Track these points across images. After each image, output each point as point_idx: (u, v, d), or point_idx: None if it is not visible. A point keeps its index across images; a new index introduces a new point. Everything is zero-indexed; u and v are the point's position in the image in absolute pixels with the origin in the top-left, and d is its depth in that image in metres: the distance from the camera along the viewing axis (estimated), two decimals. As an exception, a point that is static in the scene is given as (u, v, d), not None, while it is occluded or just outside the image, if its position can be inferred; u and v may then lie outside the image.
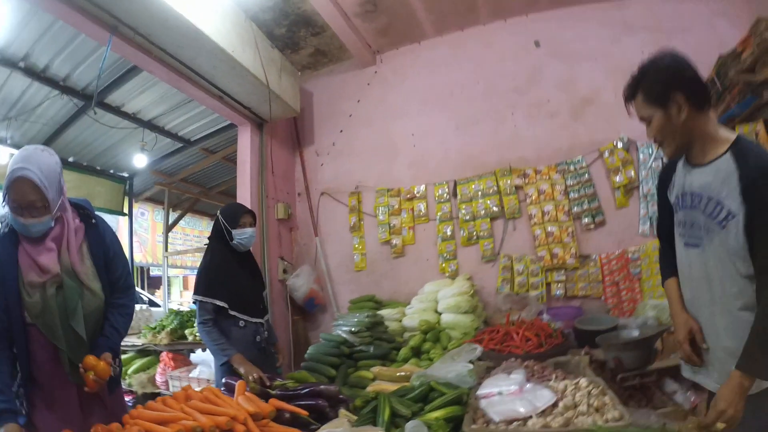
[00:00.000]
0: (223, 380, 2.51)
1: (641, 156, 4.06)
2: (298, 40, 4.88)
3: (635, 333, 2.74)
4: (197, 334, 4.97)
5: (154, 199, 9.66)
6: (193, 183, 9.32)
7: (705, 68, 3.96)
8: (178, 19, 3.32)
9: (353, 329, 3.66)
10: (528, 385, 1.99)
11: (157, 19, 3.33)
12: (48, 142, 6.66)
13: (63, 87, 5.57)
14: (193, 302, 3.02)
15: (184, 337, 4.99)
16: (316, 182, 5.45)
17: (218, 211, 3.26)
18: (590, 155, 4.24)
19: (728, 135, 1.76)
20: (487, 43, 4.82)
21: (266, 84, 4.40)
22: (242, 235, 3.12)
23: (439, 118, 4.90)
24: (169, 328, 5.02)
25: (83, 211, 2.26)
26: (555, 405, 1.79)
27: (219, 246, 3.14)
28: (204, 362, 4.75)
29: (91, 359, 1.96)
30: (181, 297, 12.17)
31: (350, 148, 5.31)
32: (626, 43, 4.29)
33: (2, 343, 1.95)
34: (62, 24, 4.24)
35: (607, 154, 4.18)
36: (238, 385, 2.20)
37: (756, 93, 3.59)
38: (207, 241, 3.25)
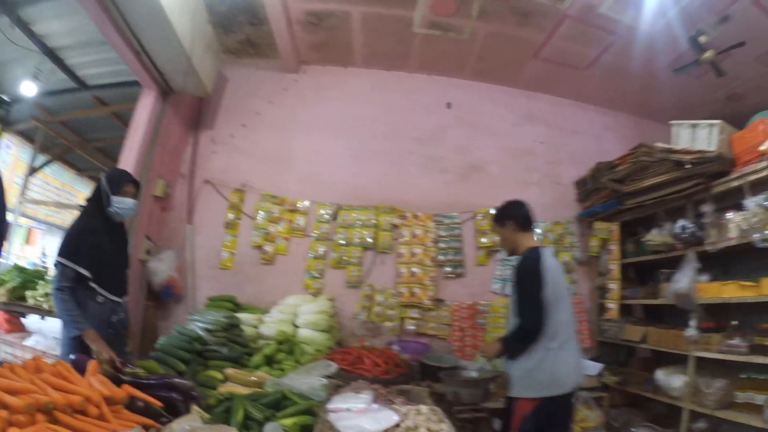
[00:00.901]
0: (72, 356, 2.32)
1: None
2: (234, 24, 4.83)
3: (474, 374, 3.14)
4: (39, 298, 4.59)
5: (25, 134, 8.70)
6: (72, 129, 8.55)
7: (584, 167, 5.07)
8: None
9: (210, 327, 3.63)
10: (374, 405, 2.18)
11: None
12: None
13: None
14: (55, 264, 2.80)
15: (23, 299, 4.56)
16: (203, 168, 5.31)
17: (102, 174, 3.11)
18: (465, 214, 4.91)
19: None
20: (406, 89, 5.31)
21: (189, 56, 4.31)
22: (121, 204, 2.98)
23: (341, 143, 5.21)
24: (10, 285, 4.57)
25: None
26: (397, 426, 1.98)
27: (95, 211, 2.98)
28: (40, 331, 4.39)
29: None
30: (21, 251, 10.90)
31: (247, 145, 5.34)
32: (525, 129, 5.18)
33: None
34: None
35: (479, 217, 4.91)
36: (91, 364, 2.09)
37: (620, 200, 4.64)
38: (83, 203, 3.08)
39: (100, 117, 7.70)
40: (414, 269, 4.79)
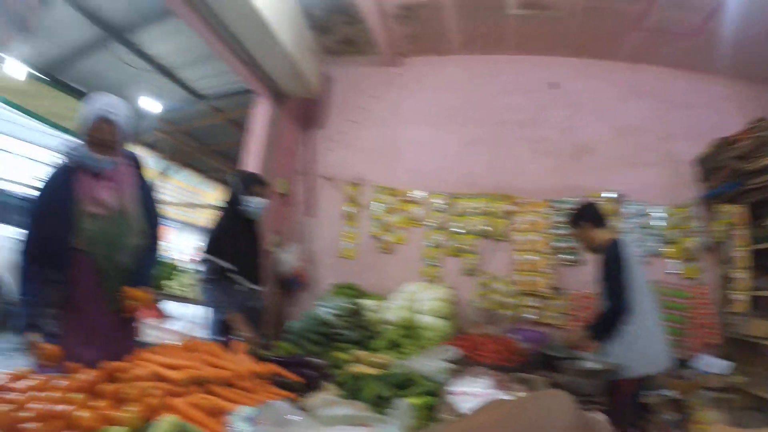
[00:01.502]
0: (220, 337, 2.80)
1: (625, 210, 4.58)
2: (331, 25, 5.12)
3: (593, 364, 3.05)
4: (178, 287, 5.23)
5: (153, 145, 9.74)
6: (194, 137, 9.47)
7: (702, 143, 4.53)
8: None
9: (335, 312, 3.93)
10: (492, 390, 2.25)
11: None
12: (63, 66, 6.82)
13: (91, 15, 5.76)
14: (202, 260, 3.26)
15: (160, 288, 5.22)
16: (318, 165, 5.77)
17: (234, 176, 3.55)
18: (579, 199, 4.56)
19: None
20: (505, 72, 5.25)
21: (294, 62, 4.71)
22: (253, 203, 3.35)
23: (448, 133, 5.28)
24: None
25: (135, 162, 2.55)
26: None
27: (231, 211, 3.39)
28: (179, 316, 5.01)
29: (133, 289, 2.32)
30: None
31: (358, 140, 5.65)
32: (632, 104, 4.84)
33: (40, 265, 2.20)
34: None
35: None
36: (238, 344, 2.43)
37: (741, 180, 4.17)
38: (221, 204, 3.51)
39: (217, 124, 8.47)
40: (530, 256, 4.73)
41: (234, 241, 3.29)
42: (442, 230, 5.05)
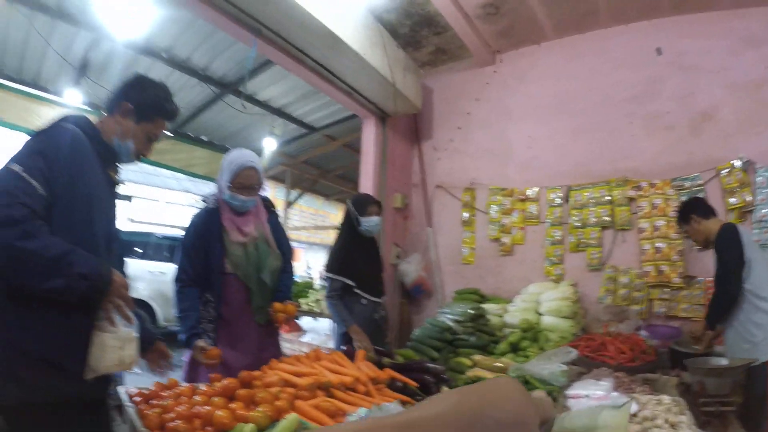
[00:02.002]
0: (343, 347, 3.13)
1: (759, 179, 4.02)
2: (420, 39, 5.27)
3: (723, 361, 2.80)
4: (310, 304, 5.66)
5: (277, 178, 10.68)
6: (313, 165, 10.24)
7: None
8: (316, 23, 3.87)
9: (458, 318, 4.02)
10: (614, 393, 2.22)
11: (297, 23, 3.91)
12: (185, 122, 7.81)
13: (201, 76, 6.61)
14: (324, 278, 3.72)
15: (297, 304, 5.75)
16: (431, 176, 5.95)
17: (349, 200, 3.88)
18: (706, 173, 4.25)
19: None
20: (605, 48, 4.96)
21: (392, 82, 4.94)
22: (369, 222, 3.68)
23: (555, 124, 5.13)
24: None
25: (267, 202, 3.04)
26: (634, 415, 1.96)
27: (348, 231, 3.77)
28: (313, 330, 5.44)
29: (279, 304, 2.73)
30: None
31: (467, 145, 5.72)
32: (747, 57, 4.23)
33: (196, 288, 2.70)
34: (201, 24, 5.14)
35: (724, 173, 4.15)
36: (359, 352, 2.64)
37: None
38: (339, 225, 3.92)
39: (333, 150, 9.05)
40: (658, 244, 4.34)
41: (353, 258, 3.66)
42: (561, 226, 4.92)
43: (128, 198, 10.98)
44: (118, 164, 2.04)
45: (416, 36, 5.19)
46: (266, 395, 1.79)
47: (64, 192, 1.70)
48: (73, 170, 1.73)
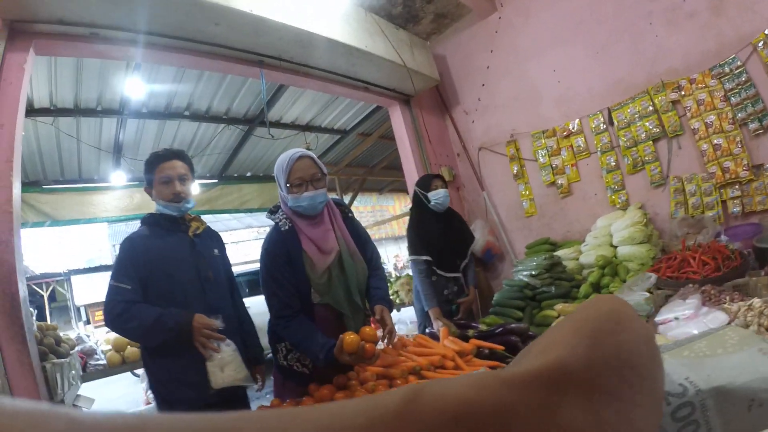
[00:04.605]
0: (427, 330, 3.32)
1: None
2: (416, 12, 5.42)
3: None
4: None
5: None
6: (357, 165, 10.57)
7: None
8: (311, 36, 4.18)
9: (533, 272, 4.15)
10: (703, 309, 2.20)
11: (294, 43, 4.23)
12: (226, 165, 8.57)
13: (226, 119, 7.10)
14: (410, 260, 4.02)
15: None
16: (471, 140, 6.08)
17: (415, 185, 4.24)
18: (743, 52, 4.04)
19: None
20: None
21: (403, 64, 5.13)
22: (437, 196, 4.03)
23: (576, 48, 5.06)
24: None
25: (342, 207, 2.82)
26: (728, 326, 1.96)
27: (420, 211, 4.13)
28: (400, 320, 5.73)
29: (367, 330, 2.25)
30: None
31: (495, 99, 5.79)
32: None
33: (290, 322, 2.47)
34: (210, 73, 5.55)
35: (761, 45, 3.92)
36: (443, 330, 2.72)
37: None
38: (410, 210, 4.31)
39: (371, 145, 9.36)
40: (716, 141, 4.13)
41: (429, 237, 3.97)
42: (612, 150, 4.86)
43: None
44: (182, 220, 2.73)
45: (411, 11, 5.34)
46: (363, 392, 2.01)
47: (147, 275, 2.51)
48: (143, 260, 2.52)
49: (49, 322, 6.79)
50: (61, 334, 5.26)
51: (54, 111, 5.73)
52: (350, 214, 2.83)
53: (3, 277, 2.72)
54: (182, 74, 5.62)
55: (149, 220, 2.70)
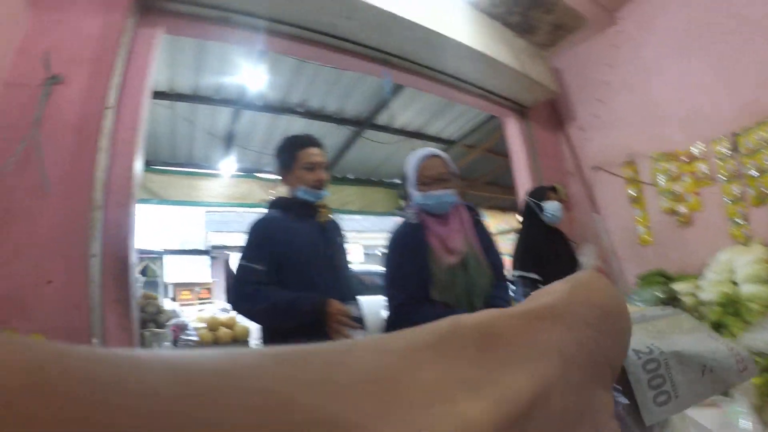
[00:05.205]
0: None
1: None
2: (533, 22, 5.37)
3: None
4: None
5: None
6: (459, 178, 10.44)
7: None
8: (440, 37, 4.29)
9: (647, 304, 4.00)
10: None
11: (421, 43, 4.39)
12: (331, 166, 8.46)
13: (337, 119, 7.31)
14: (515, 277, 3.89)
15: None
16: (585, 158, 5.91)
17: (525, 194, 4.21)
18: None
19: None
20: None
21: (522, 73, 5.17)
22: (553, 207, 3.96)
23: (700, 64, 4.75)
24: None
25: (473, 211, 2.84)
26: None
27: (530, 224, 4.06)
28: None
29: None
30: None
31: (613, 116, 5.59)
32: None
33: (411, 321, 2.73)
34: (327, 70, 5.76)
35: None
36: None
37: None
38: (520, 223, 4.21)
39: (475, 159, 9.24)
40: None
41: (539, 252, 3.90)
42: (738, 180, 4.50)
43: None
44: (319, 208, 2.73)
45: (528, 20, 5.30)
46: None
47: (280, 258, 2.48)
48: (277, 243, 2.51)
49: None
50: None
51: (172, 95, 6.05)
52: (480, 220, 2.85)
53: (119, 241, 2.89)
54: (300, 69, 5.78)
55: (281, 204, 2.72)
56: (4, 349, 0.17)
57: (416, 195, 2.63)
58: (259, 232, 2.56)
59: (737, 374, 0.49)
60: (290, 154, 2.71)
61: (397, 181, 10.06)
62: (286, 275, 2.48)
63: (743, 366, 0.52)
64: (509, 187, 9.76)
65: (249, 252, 2.49)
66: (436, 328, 0.26)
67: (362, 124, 7.55)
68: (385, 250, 2.72)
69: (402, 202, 10.61)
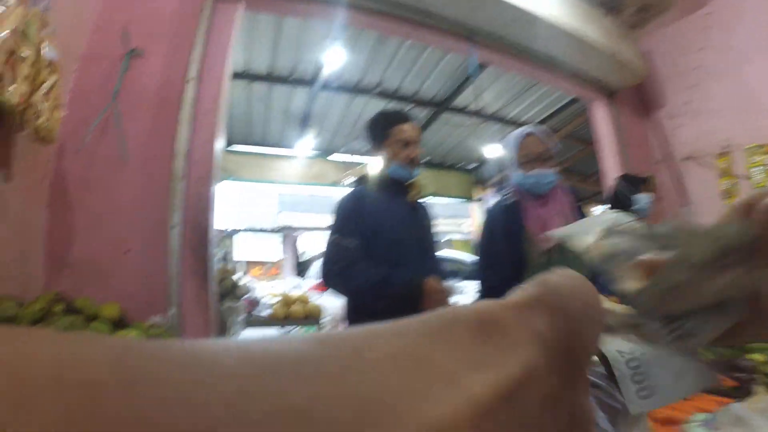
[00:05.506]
0: None
1: None
2: (620, 2, 5.16)
3: None
4: None
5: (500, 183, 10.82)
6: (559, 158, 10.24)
7: None
8: (528, 15, 4.16)
9: None
10: None
11: (510, 19, 4.23)
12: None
13: (414, 101, 7.10)
14: None
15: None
16: (675, 147, 5.59)
17: (615, 183, 4.02)
18: None
19: None
20: None
21: (612, 54, 4.97)
22: (644, 200, 3.77)
23: None
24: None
25: (571, 193, 2.72)
26: None
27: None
28: None
29: None
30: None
31: (706, 103, 5.26)
32: None
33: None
34: (406, 50, 5.50)
35: None
36: None
37: None
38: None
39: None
40: None
41: None
42: None
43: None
44: (411, 187, 2.64)
45: (615, 1, 5.09)
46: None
47: (371, 235, 2.39)
48: (369, 219, 2.42)
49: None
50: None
51: (248, 76, 6.12)
52: (580, 205, 2.75)
53: (199, 211, 2.89)
54: (379, 48, 5.73)
55: (372, 181, 2.65)
56: (84, 344, 0.18)
57: (515, 174, 2.57)
58: (349, 208, 2.49)
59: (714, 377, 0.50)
60: (383, 129, 2.64)
61: (473, 165, 9.91)
62: (374, 254, 2.39)
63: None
64: (587, 175, 9.46)
65: (340, 228, 2.43)
66: (441, 316, 0.29)
67: (439, 106, 7.45)
68: (480, 232, 2.68)
69: (479, 188, 10.44)
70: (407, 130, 2.60)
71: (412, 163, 2.58)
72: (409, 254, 2.48)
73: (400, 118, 2.65)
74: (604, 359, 0.40)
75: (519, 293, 0.34)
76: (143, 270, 2.66)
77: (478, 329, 0.28)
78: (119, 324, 2.10)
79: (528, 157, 2.51)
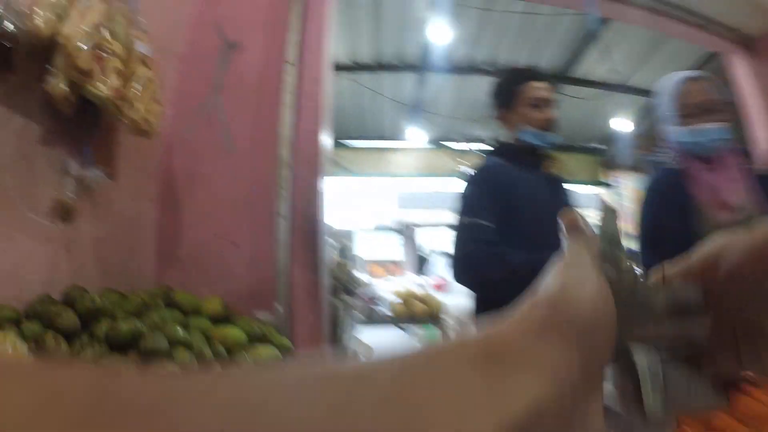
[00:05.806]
0: None
1: None
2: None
3: None
4: None
5: (635, 167, 9.99)
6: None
7: None
8: None
9: None
10: None
11: None
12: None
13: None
14: None
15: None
16: None
17: None
18: None
19: None
20: None
21: None
22: None
23: None
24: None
25: (750, 156, 2.27)
26: None
27: None
28: None
29: None
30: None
31: None
32: None
33: None
34: (516, 17, 5.44)
35: None
36: None
37: None
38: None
39: None
40: None
41: None
42: None
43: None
44: (546, 156, 2.26)
45: None
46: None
47: (507, 215, 2.02)
48: (506, 196, 2.05)
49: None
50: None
51: (354, 67, 6.04)
52: (765, 174, 2.12)
53: (309, 199, 2.79)
54: (486, 19, 5.46)
55: (503, 150, 2.25)
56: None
57: (676, 131, 2.05)
58: (481, 183, 2.13)
59: None
60: (511, 89, 2.23)
61: (598, 145, 9.22)
62: (511, 235, 2.00)
63: None
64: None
65: (472, 207, 2.06)
66: (444, 348, 0.28)
67: (557, 77, 6.88)
68: (643, 204, 2.21)
69: (607, 171, 9.70)
70: (540, 87, 2.20)
71: (548, 126, 2.18)
72: (550, 236, 2.03)
73: (531, 75, 2.27)
74: (620, 366, 0.40)
75: (528, 313, 0.32)
76: (251, 263, 2.61)
77: (484, 362, 0.26)
78: (222, 319, 2.04)
79: (694, 108, 2.00)
